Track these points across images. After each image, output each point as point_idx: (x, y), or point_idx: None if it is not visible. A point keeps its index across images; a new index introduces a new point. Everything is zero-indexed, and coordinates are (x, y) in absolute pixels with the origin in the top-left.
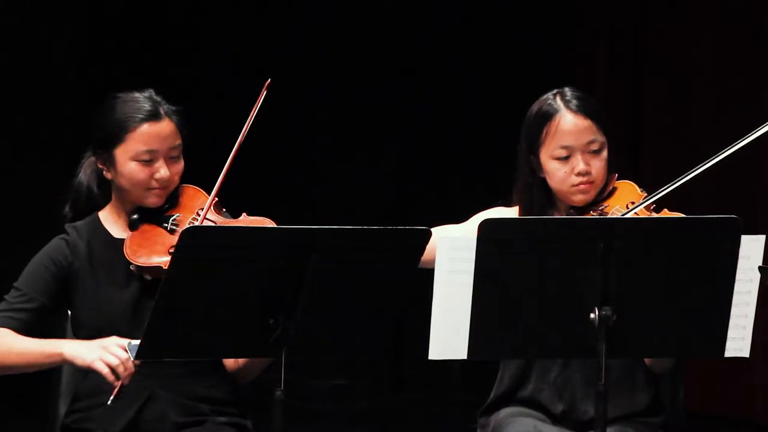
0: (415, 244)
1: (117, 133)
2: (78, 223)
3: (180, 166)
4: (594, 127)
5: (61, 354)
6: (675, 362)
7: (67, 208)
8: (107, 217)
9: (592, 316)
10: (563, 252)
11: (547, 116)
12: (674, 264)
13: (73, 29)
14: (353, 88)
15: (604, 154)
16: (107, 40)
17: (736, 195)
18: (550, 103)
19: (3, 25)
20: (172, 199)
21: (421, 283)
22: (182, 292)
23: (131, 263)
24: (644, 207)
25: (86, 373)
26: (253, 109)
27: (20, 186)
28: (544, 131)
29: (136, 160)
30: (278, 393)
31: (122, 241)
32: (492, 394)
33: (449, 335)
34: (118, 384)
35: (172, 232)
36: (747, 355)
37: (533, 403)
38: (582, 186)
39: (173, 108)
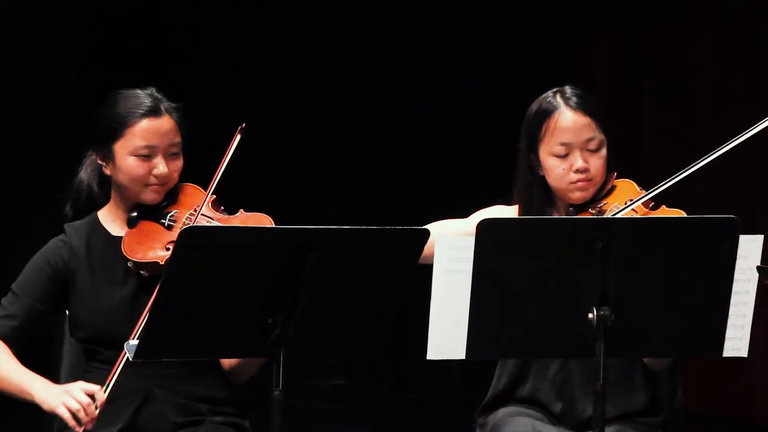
0: (413, 244)
1: (117, 127)
2: (77, 223)
3: (179, 163)
4: (593, 125)
5: (32, 395)
6: (673, 361)
7: (67, 207)
8: (106, 216)
9: (590, 315)
10: (562, 252)
11: (546, 113)
12: (673, 264)
13: (73, 29)
14: (353, 87)
15: (603, 152)
16: (107, 40)
17: (735, 194)
18: (549, 101)
19: (3, 25)
20: (171, 197)
21: (420, 283)
22: (180, 292)
23: (129, 260)
24: (642, 204)
25: (85, 374)
26: (227, 152)
27: (20, 186)
28: (543, 128)
29: (134, 155)
30: (276, 393)
31: (120, 239)
32: (490, 393)
33: (447, 335)
34: (79, 430)
35: (169, 228)
36: (745, 355)
37: (532, 402)
38: (580, 183)
39: (174, 105)
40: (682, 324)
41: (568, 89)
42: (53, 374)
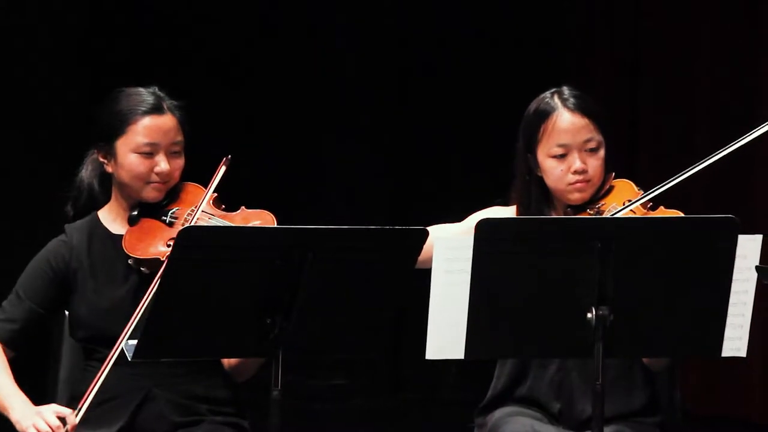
0: (412, 243)
1: (119, 125)
2: (77, 223)
3: (180, 162)
4: (591, 126)
5: (9, 414)
6: (672, 360)
7: (68, 206)
8: (107, 215)
9: (589, 315)
10: (560, 252)
11: (544, 114)
12: (671, 264)
13: (73, 29)
14: (353, 87)
15: (601, 153)
16: (107, 40)
17: (734, 194)
18: (547, 102)
19: (3, 25)
20: (172, 195)
21: (419, 283)
22: (179, 291)
23: (129, 256)
24: (641, 205)
25: (84, 374)
26: (211, 181)
27: (20, 186)
28: (541, 129)
29: (136, 153)
30: (276, 393)
31: (121, 237)
32: (489, 393)
33: (446, 335)
34: None
35: (170, 224)
36: (744, 355)
37: (530, 402)
38: (578, 184)
39: (176, 104)
40: (681, 324)
41: (565, 90)
42: (52, 373)
